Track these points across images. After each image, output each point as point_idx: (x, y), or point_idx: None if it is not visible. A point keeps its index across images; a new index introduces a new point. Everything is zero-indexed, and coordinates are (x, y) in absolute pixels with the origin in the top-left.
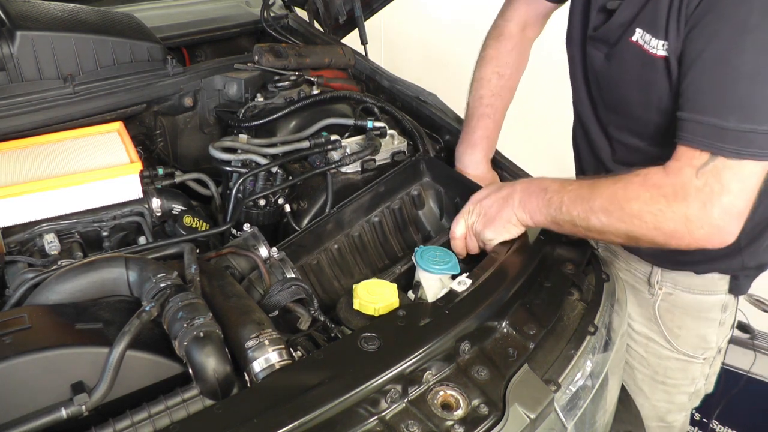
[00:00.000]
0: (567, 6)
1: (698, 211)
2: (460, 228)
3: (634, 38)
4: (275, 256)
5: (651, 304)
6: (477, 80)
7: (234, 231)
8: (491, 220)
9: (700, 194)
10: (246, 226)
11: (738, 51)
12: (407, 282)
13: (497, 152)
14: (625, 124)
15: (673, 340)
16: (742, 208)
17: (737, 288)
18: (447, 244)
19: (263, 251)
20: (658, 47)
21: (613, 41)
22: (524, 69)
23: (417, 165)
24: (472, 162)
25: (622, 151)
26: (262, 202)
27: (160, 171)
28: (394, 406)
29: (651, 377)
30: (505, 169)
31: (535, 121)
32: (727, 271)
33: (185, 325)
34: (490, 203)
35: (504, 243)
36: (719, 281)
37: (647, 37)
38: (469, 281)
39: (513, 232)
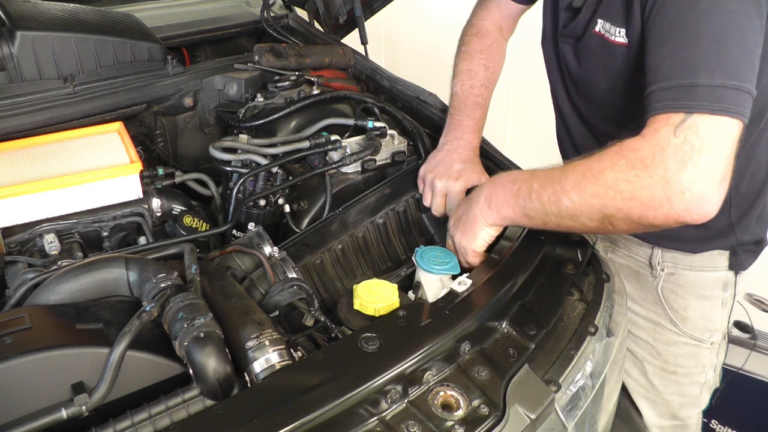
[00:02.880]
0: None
1: (677, 171)
2: (449, 243)
3: (596, 29)
4: (276, 255)
5: (654, 287)
6: (465, 71)
7: (234, 231)
8: (464, 226)
9: (679, 152)
10: (251, 225)
11: (694, 15)
12: (408, 282)
13: (497, 151)
14: (599, 112)
15: (680, 323)
16: (723, 170)
17: (737, 264)
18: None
19: (267, 250)
20: (617, 34)
21: (579, 35)
22: (502, 66)
23: None
24: (462, 148)
25: (605, 140)
26: (262, 202)
27: (160, 171)
28: (394, 407)
29: (662, 368)
30: (505, 169)
31: (534, 117)
32: (725, 248)
33: (186, 325)
34: (463, 209)
35: (503, 244)
36: (719, 257)
37: (607, 26)
38: (469, 281)
39: (483, 235)
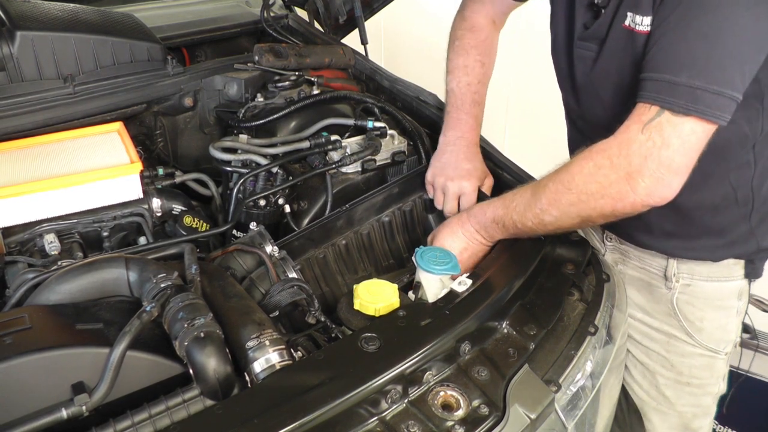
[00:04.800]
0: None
1: (639, 164)
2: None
3: (626, 23)
4: (276, 254)
5: (669, 299)
6: (461, 67)
7: (235, 231)
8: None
9: (642, 148)
10: (252, 225)
11: (697, 13)
12: (409, 288)
13: (497, 151)
14: (621, 116)
15: (696, 334)
16: (681, 165)
17: (753, 272)
18: None
19: (269, 249)
20: (645, 24)
21: (604, 34)
22: (495, 60)
23: None
24: (465, 147)
25: None
26: (262, 203)
27: (160, 171)
28: (394, 407)
29: (675, 380)
30: (504, 169)
31: (534, 117)
32: (743, 256)
33: (186, 325)
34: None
35: (503, 243)
36: (735, 266)
37: (637, 18)
38: (469, 281)
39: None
